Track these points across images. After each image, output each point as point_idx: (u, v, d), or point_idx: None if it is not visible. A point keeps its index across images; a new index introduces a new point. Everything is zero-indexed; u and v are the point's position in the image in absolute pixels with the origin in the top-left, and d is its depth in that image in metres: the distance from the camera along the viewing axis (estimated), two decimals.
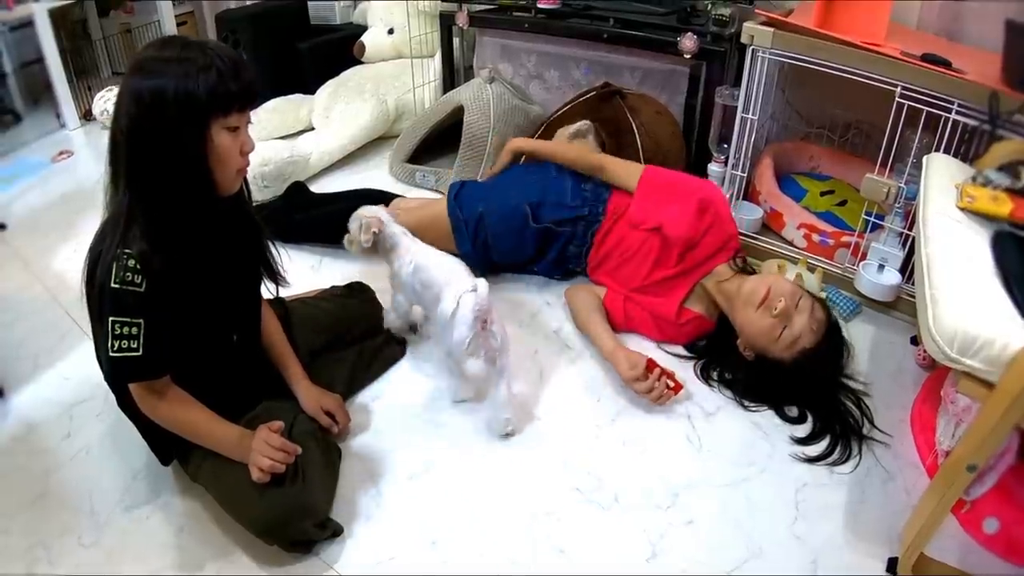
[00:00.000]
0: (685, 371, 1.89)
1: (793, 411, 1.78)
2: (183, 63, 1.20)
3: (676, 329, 1.99)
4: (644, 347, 1.91)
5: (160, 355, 1.33)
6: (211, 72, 1.20)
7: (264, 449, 1.39)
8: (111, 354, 1.28)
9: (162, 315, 1.30)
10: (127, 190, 1.27)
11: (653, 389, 1.75)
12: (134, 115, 1.22)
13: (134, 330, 1.28)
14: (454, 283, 1.66)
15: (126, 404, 1.48)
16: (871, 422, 1.74)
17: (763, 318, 1.78)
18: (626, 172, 2.10)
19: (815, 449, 1.67)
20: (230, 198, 1.40)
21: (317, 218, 2.41)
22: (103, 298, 1.27)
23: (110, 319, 1.26)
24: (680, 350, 1.99)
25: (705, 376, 1.90)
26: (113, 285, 1.24)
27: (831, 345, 1.80)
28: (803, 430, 1.73)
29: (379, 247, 1.88)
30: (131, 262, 1.24)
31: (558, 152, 2.22)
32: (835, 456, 1.65)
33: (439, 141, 2.92)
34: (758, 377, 1.83)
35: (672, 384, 1.78)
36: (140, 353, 1.29)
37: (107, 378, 1.46)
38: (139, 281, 1.25)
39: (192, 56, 1.21)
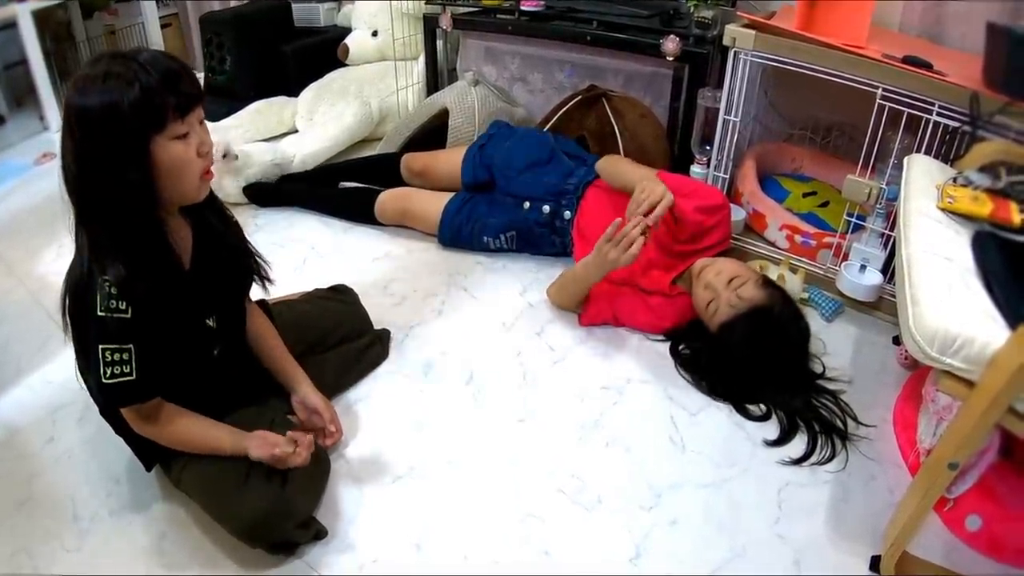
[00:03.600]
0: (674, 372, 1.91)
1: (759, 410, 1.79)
2: (108, 81, 1.16)
3: (665, 304, 2.02)
4: (627, 346, 1.91)
5: (153, 377, 1.31)
6: (134, 88, 1.16)
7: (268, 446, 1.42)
8: (104, 381, 1.26)
9: (149, 337, 1.29)
10: (81, 214, 1.26)
11: (621, 243, 1.81)
12: (66, 137, 1.23)
13: (125, 355, 1.26)
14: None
15: (108, 412, 1.47)
16: (854, 419, 1.74)
17: (697, 288, 1.93)
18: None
19: (795, 450, 1.67)
20: (199, 205, 1.39)
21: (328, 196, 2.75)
22: (88, 325, 1.25)
23: (100, 347, 1.25)
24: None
25: (677, 358, 1.94)
26: (100, 313, 1.23)
27: (751, 325, 1.79)
28: (772, 430, 1.73)
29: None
30: (113, 289, 1.23)
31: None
32: (817, 456, 1.65)
33: (423, 144, 2.91)
34: (700, 356, 1.91)
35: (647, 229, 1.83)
36: (134, 377, 1.28)
37: (100, 403, 1.44)
38: (124, 307, 1.24)
39: (117, 71, 1.17)
